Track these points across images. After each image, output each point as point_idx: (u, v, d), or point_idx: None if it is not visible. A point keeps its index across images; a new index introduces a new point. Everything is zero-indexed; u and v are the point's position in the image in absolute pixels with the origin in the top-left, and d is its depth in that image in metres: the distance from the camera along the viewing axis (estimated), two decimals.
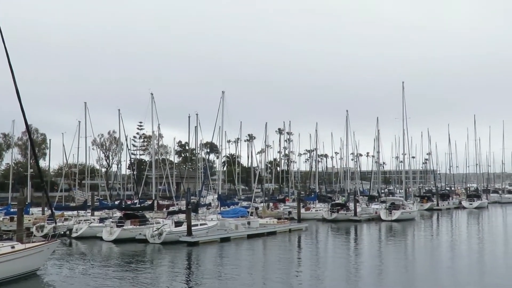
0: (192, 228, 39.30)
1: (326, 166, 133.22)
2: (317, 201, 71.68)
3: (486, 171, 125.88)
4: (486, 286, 23.69)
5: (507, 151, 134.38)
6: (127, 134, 72.21)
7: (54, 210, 38.25)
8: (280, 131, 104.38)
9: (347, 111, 76.91)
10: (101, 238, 41.10)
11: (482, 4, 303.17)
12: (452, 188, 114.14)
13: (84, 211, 52.80)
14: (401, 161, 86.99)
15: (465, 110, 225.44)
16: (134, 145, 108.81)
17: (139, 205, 54.57)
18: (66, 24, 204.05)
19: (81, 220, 47.05)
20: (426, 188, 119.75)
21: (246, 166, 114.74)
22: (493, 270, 27.79)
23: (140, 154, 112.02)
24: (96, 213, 53.23)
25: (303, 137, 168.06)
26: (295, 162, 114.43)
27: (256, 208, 57.70)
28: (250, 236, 42.53)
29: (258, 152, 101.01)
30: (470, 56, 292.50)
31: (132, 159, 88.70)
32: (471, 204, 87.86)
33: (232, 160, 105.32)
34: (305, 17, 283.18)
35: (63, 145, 70.29)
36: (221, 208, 53.82)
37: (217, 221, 44.69)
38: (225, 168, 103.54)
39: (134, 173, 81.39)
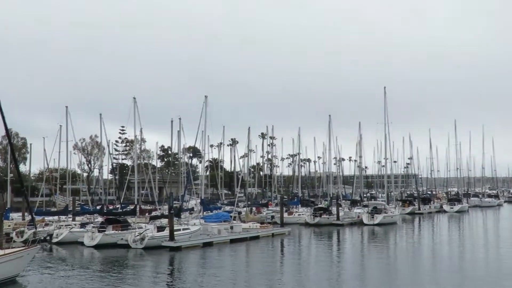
0: (175, 233, 39.12)
1: (309, 171, 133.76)
2: (299, 205, 71.91)
3: (467, 175, 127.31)
4: None
5: (487, 155, 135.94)
6: (109, 138, 72.00)
7: (34, 215, 37.88)
8: (263, 136, 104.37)
9: (329, 116, 77.39)
10: (82, 244, 40.69)
11: (464, 12, 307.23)
12: (434, 192, 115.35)
13: (65, 216, 52.23)
14: (383, 166, 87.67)
15: (446, 115, 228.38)
16: (116, 150, 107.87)
17: (121, 210, 54.22)
18: (47, 26, 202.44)
19: (62, 225, 46.56)
20: (407, 192, 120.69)
21: (229, 170, 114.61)
22: (473, 274, 28.09)
23: (122, 159, 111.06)
24: (77, 218, 52.74)
25: (286, 142, 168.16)
26: (278, 166, 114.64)
27: (239, 213, 57.59)
28: (233, 241, 42.45)
29: (241, 157, 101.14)
30: (450, 61, 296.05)
31: (114, 164, 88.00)
32: (452, 208, 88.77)
33: (215, 165, 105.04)
34: (288, 21, 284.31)
35: (44, 150, 69.58)
36: (204, 212, 53.65)
37: (199, 226, 44.54)
38: (208, 173, 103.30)
39: (116, 177, 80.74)
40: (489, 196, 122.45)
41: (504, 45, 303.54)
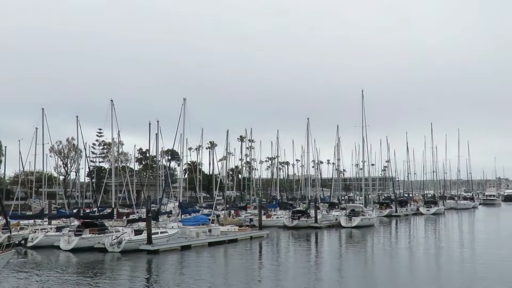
0: (153, 236, 38.90)
1: (287, 174, 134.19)
2: (278, 208, 71.99)
3: (443, 178, 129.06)
4: None
5: (462, 158, 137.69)
6: (86, 141, 70.98)
7: (9, 219, 37.28)
8: (241, 139, 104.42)
9: (308, 119, 77.68)
10: (58, 248, 40.16)
11: (442, 16, 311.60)
12: (410, 195, 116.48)
13: (41, 220, 51.52)
14: (360, 169, 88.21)
15: (423, 118, 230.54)
16: (93, 152, 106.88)
17: (98, 214, 53.69)
18: (21, 28, 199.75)
19: (38, 229, 45.90)
20: (385, 195, 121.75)
21: (208, 173, 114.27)
22: (449, 276, 28.45)
23: (99, 162, 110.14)
24: (53, 221, 52.01)
25: (265, 145, 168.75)
26: (257, 169, 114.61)
27: (218, 216, 57.52)
28: (211, 244, 42.35)
29: (220, 160, 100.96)
30: (427, 65, 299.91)
31: (91, 167, 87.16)
32: (428, 210, 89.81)
33: (193, 168, 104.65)
34: (269, 23, 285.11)
35: (20, 152, 68.48)
36: (182, 215, 53.43)
37: (178, 229, 44.34)
38: (186, 176, 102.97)
39: (93, 180, 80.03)
40: (465, 198, 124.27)
41: (482, 48, 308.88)
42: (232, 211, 66.63)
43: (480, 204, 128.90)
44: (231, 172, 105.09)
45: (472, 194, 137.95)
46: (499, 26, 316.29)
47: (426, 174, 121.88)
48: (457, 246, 42.90)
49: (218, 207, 66.11)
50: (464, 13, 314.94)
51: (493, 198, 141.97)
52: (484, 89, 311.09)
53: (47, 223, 50.82)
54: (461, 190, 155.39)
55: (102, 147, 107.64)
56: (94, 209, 60.52)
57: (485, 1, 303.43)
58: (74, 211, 56.76)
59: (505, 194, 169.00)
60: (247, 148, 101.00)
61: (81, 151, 78.51)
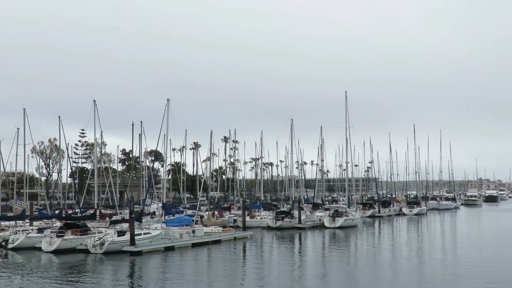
0: (136, 237, 38.67)
1: (271, 174, 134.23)
2: (262, 209, 71.99)
3: (425, 179, 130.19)
4: None
5: (445, 159, 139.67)
6: (68, 141, 70.41)
7: None
8: (225, 139, 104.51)
9: (291, 119, 77.86)
10: (40, 249, 39.70)
11: (426, 17, 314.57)
12: (393, 196, 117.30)
13: (22, 221, 50.90)
14: (344, 169, 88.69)
15: (405, 120, 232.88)
16: (76, 153, 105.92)
17: (80, 215, 53.19)
18: (1, 27, 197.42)
19: (19, 231, 45.32)
20: (368, 196, 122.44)
21: (192, 174, 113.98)
22: (431, 276, 28.67)
23: (82, 162, 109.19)
24: (35, 223, 51.40)
25: (249, 145, 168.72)
26: (241, 170, 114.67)
27: (201, 217, 57.35)
28: (194, 245, 42.23)
29: (204, 160, 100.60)
30: (410, 67, 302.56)
31: (73, 167, 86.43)
32: (411, 211, 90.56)
33: (177, 168, 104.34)
34: (253, 25, 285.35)
35: (0, 153, 67.65)
36: (166, 216, 53.15)
37: (161, 230, 44.11)
38: (170, 177, 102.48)
39: (76, 181, 79.29)
40: (447, 199, 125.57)
41: (465, 51, 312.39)
42: (216, 212, 66.50)
43: (461, 204, 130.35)
44: (215, 173, 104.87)
45: (454, 194, 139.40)
46: (483, 28, 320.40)
47: (409, 175, 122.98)
48: (439, 246, 43.29)
49: (202, 208, 65.85)
50: (447, 15, 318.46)
51: (474, 198, 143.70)
52: (466, 91, 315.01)
53: (28, 224, 50.18)
54: (443, 190, 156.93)
55: (84, 147, 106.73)
56: (76, 210, 60.01)
57: (468, 3, 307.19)
58: (56, 212, 56.29)
59: (486, 194, 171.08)
60: (231, 149, 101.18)
61: (63, 152, 77.95)
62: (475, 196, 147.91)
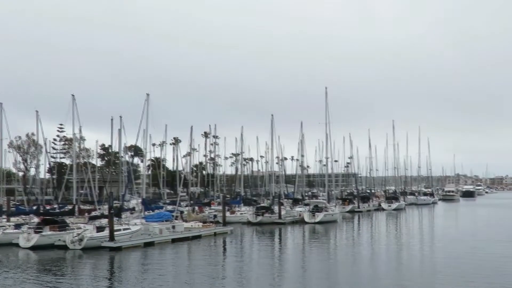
0: (115, 233, 38.43)
1: (252, 170, 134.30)
2: (242, 204, 72.10)
3: (404, 174, 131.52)
4: (402, 284, 24.67)
5: (423, 155, 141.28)
6: (46, 136, 69.44)
7: None
8: (206, 135, 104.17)
9: (272, 115, 77.99)
10: (17, 245, 39.27)
11: (403, 14, 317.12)
12: (372, 191, 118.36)
13: None
14: (324, 165, 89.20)
15: (385, 116, 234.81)
16: (54, 148, 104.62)
17: (58, 210, 52.71)
18: None
19: None
20: (348, 191, 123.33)
21: (172, 169, 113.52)
22: (409, 270, 29.09)
23: (60, 158, 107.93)
24: (12, 219, 50.78)
25: (229, 141, 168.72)
26: (221, 165, 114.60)
27: (181, 212, 57.21)
28: (174, 240, 42.16)
29: (184, 156, 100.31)
30: (390, 63, 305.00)
31: (51, 163, 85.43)
32: (390, 206, 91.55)
33: (157, 164, 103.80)
34: (233, 21, 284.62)
35: None
36: (145, 212, 52.95)
37: (141, 226, 43.90)
38: (149, 172, 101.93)
39: (54, 177, 78.48)
40: (425, 194, 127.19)
41: (444, 47, 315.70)
42: (196, 208, 66.38)
43: (439, 199, 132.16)
44: (195, 168, 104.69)
45: (432, 190, 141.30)
46: (461, 25, 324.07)
47: (387, 170, 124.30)
48: (417, 241, 43.80)
49: (182, 203, 65.69)
50: (427, 11, 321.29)
51: (452, 194, 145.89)
52: (444, 88, 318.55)
53: (5, 220, 49.58)
54: (421, 186, 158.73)
55: (63, 142, 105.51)
56: (54, 206, 59.38)
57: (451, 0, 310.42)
58: (34, 208, 55.59)
59: (463, 190, 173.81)
60: (212, 144, 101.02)
61: (41, 147, 76.98)
62: (452, 192, 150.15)
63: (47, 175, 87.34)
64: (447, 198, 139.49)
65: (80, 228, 41.73)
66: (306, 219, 61.20)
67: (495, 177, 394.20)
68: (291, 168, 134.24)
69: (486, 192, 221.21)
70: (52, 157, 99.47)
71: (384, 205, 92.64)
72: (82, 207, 60.96)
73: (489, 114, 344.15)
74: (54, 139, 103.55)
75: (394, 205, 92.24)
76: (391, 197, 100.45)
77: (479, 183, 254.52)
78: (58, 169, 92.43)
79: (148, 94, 51.94)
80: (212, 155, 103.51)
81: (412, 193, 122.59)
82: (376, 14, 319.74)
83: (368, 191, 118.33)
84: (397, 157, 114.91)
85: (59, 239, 39.09)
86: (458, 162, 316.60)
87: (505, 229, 52.84)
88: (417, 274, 27.33)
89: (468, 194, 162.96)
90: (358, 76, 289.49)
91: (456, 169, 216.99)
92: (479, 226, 57.49)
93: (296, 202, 79.45)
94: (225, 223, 52.73)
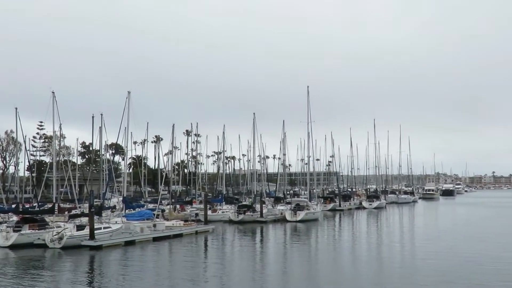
0: (95, 231, 38.15)
1: (234, 168, 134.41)
2: (224, 202, 71.99)
3: (385, 173, 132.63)
4: (381, 283, 24.86)
5: (404, 154, 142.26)
6: (26, 134, 68.67)
7: None
8: (187, 133, 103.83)
9: (254, 113, 77.99)
10: None
11: (389, 16, 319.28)
12: (354, 189, 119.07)
13: None
14: (306, 163, 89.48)
15: (366, 115, 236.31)
16: (33, 146, 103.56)
17: (38, 209, 52.12)
18: None
19: None
20: (329, 190, 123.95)
21: (153, 168, 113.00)
22: (389, 268, 29.35)
23: (40, 155, 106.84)
24: None
25: (211, 139, 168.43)
26: (203, 164, 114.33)
27: (163, 211, 56.97)
28: (156, 239, 41.96)
29: (165, 154, 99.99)
30: (370, 63, 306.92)
31: (31, 160, 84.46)
32: (371, 204, 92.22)
33: (138, 162, 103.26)
34: (218, 19, 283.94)
35: None
36: (126, 210, 52.59)
37: (121, 224, 43.62)
38: (131, 170, 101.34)
39: (34, 175, 77.59)
40: (405, 193, 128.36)
41: (426, 48, 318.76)
42: (178, 206, 66.16)
43: (419, 198, 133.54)
44: (176, 167, 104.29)
45: (412, 188, 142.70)
46: (445, 27, 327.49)
47: (369, 169, 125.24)
48: (397, 239, 44.21)
49: (163, 201, 65.44)
50: (413, 13, 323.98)
51: (432, 192, 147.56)
52: (425, 87, 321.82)
53: None
54: (402, 184, 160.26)
55: (43, 140, 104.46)
56: (34, 204, 58.79)
57: (436, 2, 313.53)
58: (13, 206, 54.94)
59: (443, 188, 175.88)
60: (193, 142, 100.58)
61: (20, 144, 76.08)
62: (432, 190, 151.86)
63: (27, 173, 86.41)
64: (427, 196, 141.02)
65: (60, 226, 41.29)
66: (288, 218, 61.36)
67: (475, 176, 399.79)
68: (273, 167, 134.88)
69: (466, 191, 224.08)
70: (32, 154, 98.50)
71: (365, 204, 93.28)
72: (62, 205, 60.32)
73: (469, 114, 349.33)
74: (34, 137, 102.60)
75: (375, 203, 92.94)
76: (372, 196, 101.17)
77: (458, 182, 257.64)
78: (37, 167, 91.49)
79: (129, 92, 51.57)
80: (194, 154, 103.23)
81: (392, 192, 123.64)
82: (362, 14, 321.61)
83: (350, 189, 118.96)
84: (378, 156, 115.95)
85: (39, 238, 38.67)
86: (438, 161, 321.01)
87: (483, 228, 53.58)
88: (397, 273, 27.58)
89: (448, 193, 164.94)
90: (339, 75, 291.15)
91: (436, 168, 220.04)
92: (458, 225, 58.15)
93: (277, 200, 79.56)
94: (207, 221, 52.63)
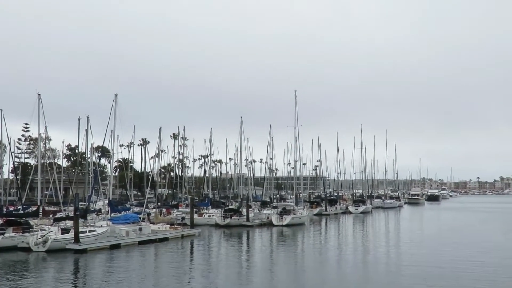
0: (80, 235, 37.89)
1: (220, 172, 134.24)
2: (210, 206, 71.87)
3: (371, 177, 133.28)
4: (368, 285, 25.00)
5: (390, 159, 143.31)
6: (11, 136, 67.95)
7: None
8: (174, 136, 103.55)
9: (241, 117, 78.13)
10: None
11: (379, 21, 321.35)
12: (340, 194, 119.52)
13: None
14: (292, 168, 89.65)
15: (353, 120, 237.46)
16: (18, 148, 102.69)
17: (22, 212, 51.65)
18: None
19: None
20: (315, 194, 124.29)
21: (139, 171, 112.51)
22: (374, 273, 29.46)
23: (25, 158, 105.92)
24: None
25: (198, 142, 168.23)
26: (190, 167, 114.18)
27: (149, 214, 56.74)
28: (141, 243, 41.76)
29: (152, 157, 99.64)
30: (356, 69, 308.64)
31: (16, 163, 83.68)
32: (357, 209, 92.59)
33: (124, 165, 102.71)
34: (202, 22, 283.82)
35: None
36: (112, 214, 52.32)
37: (107, 228, 43.36)
38: (116, 173, 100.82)
39: (18, 177, 76.82)
40: (391, 197, 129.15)
41: (414, 54, 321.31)
42: (164, 210, 65.89)
43: (405, 203, 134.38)
44: (163, 170, 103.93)
45: (398, 193, 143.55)
46: (435, 33, 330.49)
47: (355, 173, 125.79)
48: (383, 244, 44.39)
49: (149, 205, 65.16)
50: (402, 18, 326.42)
51: (417, 197, 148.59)
52: (411, 93, 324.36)
53: None
54: (388, 189, 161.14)
55: (28, 142, 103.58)
56: (18, 207, 58.24)
57: (423, 10, 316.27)
58: None
59: (429, 193, 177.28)
60: (180, 146, 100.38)
61: (5, 147, 75.31)
62: (418, 195, 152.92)
63: (11, 176, 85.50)
64: (413, 201, 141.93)
65: (44, 230, 40.94)
66: (274, 222, 61.40)
67: (460, 181, 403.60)
68: (259, 171, 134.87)
69: (451, 196, 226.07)
70: (17, 157, 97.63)
71: (351, 208, 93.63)
72: (46, 208, 59.88)
73: (454, 120, 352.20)
74: (19, 139, 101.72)
75: (361, 208, 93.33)
76: (358, 201, 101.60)
77: (443, 187, 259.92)
78: (22, 169, 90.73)
79: (116, 95, 51.33)
80: (181, 157, 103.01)
81: (378, 197, 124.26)
82: (350, 19, 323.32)
83: (336, 194, 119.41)
84: (364, 161, 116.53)
85: (23, 241, 38.30)
86: (423, 166, 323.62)
87: (467, 233, 54.04)
88: (382, 278, 27.70)
89: (433, 198, 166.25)
90: (327, 80, 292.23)
91: (421, 173, 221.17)
92: (442, 230, 58.56)
93: (264, 204, 79.62)
94: (193, 225, 52.51)
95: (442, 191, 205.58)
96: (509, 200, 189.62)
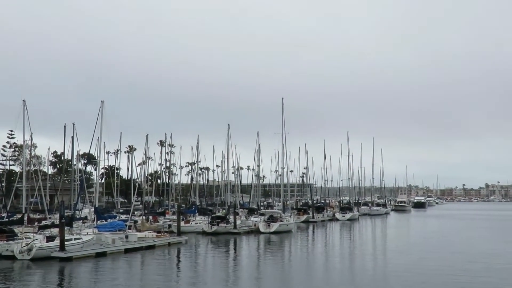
0: (66, 242, 37.51)
1: (207, 179, 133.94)
2: (197, 214, 71.64)
3: (358, 185, 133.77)
4: None
5: (376, 166, 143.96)
6: None
7: None
8: (161, 143, 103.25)
9: (228, 124, 78.14)
10: None
11: (363, 30, 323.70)
12: (327, 201, 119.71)
13: None
14: (280, 175, 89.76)
15: (340, 127, 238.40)
16: (3, 155, 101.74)
17: (7, 219, 51.10)
18: None
19: None
20: (303, 201, 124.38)
21: (126, 178, 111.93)
22: (361, 281, 29.51)
23: (10, 165, 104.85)
24: None
25: (185, 150, 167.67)
26: (177, 174, 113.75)
27: (135, 222, 56.37)
28: (127, 251, 41.42)
29: (139, 164, 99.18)
30: (340, 76, 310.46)
31: (1, 170, 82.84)
32: (344, 216, 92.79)
33: (111, 172, 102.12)
34: (189, 26, 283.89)
35: None
36: (98, 221, 51.93)
37: (93, 235, 43.02)
38: (103, 180, 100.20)
39: (3, 184, 76.06)
40: (378, 205, 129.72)
41: (400, 62, 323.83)
42: (150, 217, 65.55)
43: (392, 210, 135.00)
44: (150, 177, 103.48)
45: (385, 200, 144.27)
46: (420, 40, 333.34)
47: (342, 181, 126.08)
48: (369, 251, 44.52)
49: (136, 212, 64.81)
50: (390, 27, 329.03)
51: (403, 204, 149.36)
52: (398, 100, 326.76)
53: None
54: (374, 196, 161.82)
55: (13, 149, 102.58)
56: (3, 215, 57.64)
57: (410, 17, 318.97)
58: None
59: (415, 201, 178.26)
60: (167, 153, 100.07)
61: None
62: (404, 202, 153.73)
63: None
64: (399, 208, 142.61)
65: (29, 237, 40.51)
66: (261, 229, 61.31)
67: (446, 189, 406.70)
68: (247, 178, 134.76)
69: (437, 203, 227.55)
70: (1, 164, 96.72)
71: (338, 215, 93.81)
72: (31, 216, 59.28)
73: (440, 127, 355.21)
74: (4, 146, 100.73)
75: (348, 215, 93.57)
76: (345, 208, 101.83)
77: (430, 194, 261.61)
78: (7, 177, 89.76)
79: (102, 101, 51.13)
80: (168, 164, 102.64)
81: (365, 204, 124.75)
82: (338, 27, 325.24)
83: (323, 201, 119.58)
84: (351, 168, 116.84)
85: (7, 249, 37.83)
86: (410, 173, 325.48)
87: (452, 240, 54.35)
88: (368, 285, 27.75)
89: (419, 205, 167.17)
90: (314, 87, 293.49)
91: (408, 180, 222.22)
92: (428, 237, 58.85)
93: (251, 212, 79.50)
94: (180, 232, 52.24)
95: (428, 198, 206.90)
96: (494, 207, 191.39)
